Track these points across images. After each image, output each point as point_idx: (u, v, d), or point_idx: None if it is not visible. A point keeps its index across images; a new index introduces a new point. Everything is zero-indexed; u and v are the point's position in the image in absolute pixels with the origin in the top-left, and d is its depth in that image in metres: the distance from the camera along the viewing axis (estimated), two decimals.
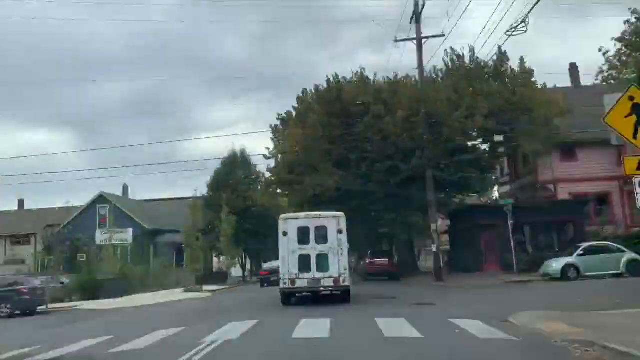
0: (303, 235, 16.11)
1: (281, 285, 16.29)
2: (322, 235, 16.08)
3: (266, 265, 35.52)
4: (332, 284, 15.94)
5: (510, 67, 29.61)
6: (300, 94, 32.59)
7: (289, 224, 16.46)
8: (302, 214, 18.71)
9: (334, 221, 16.32)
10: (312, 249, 15.98)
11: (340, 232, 16.07)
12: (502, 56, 29.20)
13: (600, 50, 25.52)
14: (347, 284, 16.09)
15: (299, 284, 15.92)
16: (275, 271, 25.87)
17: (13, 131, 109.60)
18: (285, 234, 16.21)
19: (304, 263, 15.87)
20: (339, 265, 15.86)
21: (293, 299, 16.83)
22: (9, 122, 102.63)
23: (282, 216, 17.22)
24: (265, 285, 30.61)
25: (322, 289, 16.15)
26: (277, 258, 18.08)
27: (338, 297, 16.35)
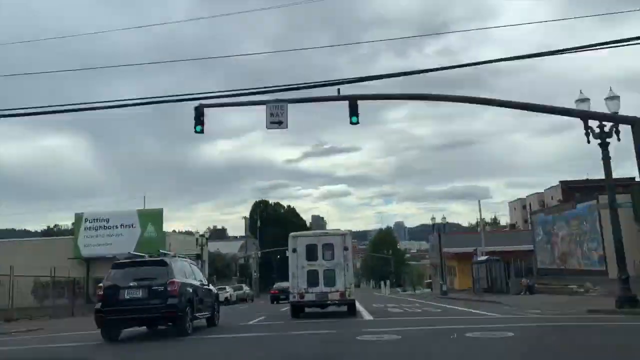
0: (311, 252, 17.14)
1: (291, 299, 17.37)
2: (329, 252, 17.13)
3: (276, 285, 38.93)
4: (338, 298, 16.92)
5: None
6: None
7: (298, 241, 17.54)
8: (311, 232, 20.00)
9: (340, 239, 17.45)
10: (320, 265, 16.99)
11: (346, 249, 17.15)
12: None
13: None
14: (352, 297, 17.13)
15: (307, 297, 16.92)
16: (284, 290, 31.13)
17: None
18: (294, 250, 17.30)
19: (312, 278, 16.87)
20: (345, 280, 16.86)
21: (301, 313, 17.77)
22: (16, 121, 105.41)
23: (291, 234, 18.27)
24: (275, 302, 34.49)
25: (329, 302, 17.17)
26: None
27: (344, 310, 17.39)
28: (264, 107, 16.35)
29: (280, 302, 32.77)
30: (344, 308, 17.71)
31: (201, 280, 14.38)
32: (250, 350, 9.85)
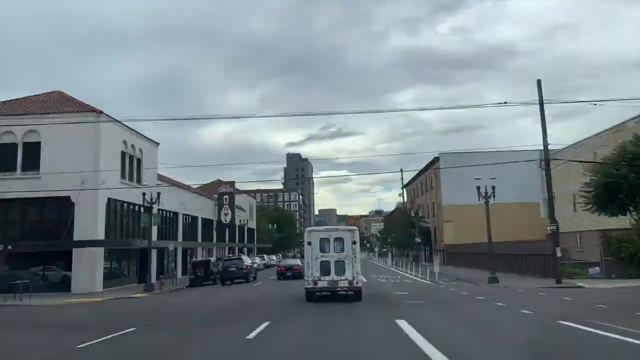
0: (324, 245, 19.48)
1: (306, 285, 19.87)
2: (339, 245, 19.45)
3: (282, 263, 44.80)
4: (347, 285, 19.36)
5: None
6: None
7: (313, 235, 20.03)
8: (323, 227, 22.69)
9: (349, 234, 19.89)
10: (331, 256, 19.33)
11: (354, 242, 19.55)
12: None
13: None
14: (359, 285, 19.60)
15: (320, 284, 19.38)
16: (290, 268, 38.64)
17: None
18: (309, 243, 19.70)
19: (324, 268, 19.23)
20: (353, 270, 19.22)
21: (314, 296, 20.07)
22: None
23: (307, 229, 21.02)
24: (282, 278, 37.85)
25: (339, 289, 19.58)
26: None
27: (352, 296, 19.78)
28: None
29: (285, 278, 36.94)
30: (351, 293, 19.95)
31: (251, 261, 38.27)
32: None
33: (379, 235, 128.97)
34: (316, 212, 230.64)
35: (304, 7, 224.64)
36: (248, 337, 11.35)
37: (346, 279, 19.24)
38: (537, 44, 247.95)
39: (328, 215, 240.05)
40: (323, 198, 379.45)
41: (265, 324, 13.32)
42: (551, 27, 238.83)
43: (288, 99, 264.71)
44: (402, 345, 9.90)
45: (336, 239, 19.66)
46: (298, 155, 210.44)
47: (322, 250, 19.49)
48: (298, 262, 39.90)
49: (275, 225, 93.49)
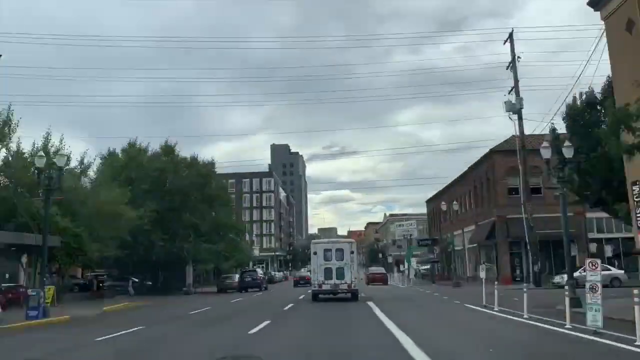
0: (327, 255, 23.92)
1: (312, 288, 24.56)
2: (339, 255, 23.88)
3: (297, 274, 62.37)
4: (346, 288, 23.77)
5: None
6: None
7: (318, 246, 24.80)
8: (326, 240, 27.74)
9: (348, 245, 24.70)
10: (333, 264, 23.72)
11: (352, 252, 24.12)
12: None
13: None
14: (356, 288, 24.28)
15: (324, 287, 23.89)
16: (302, 278, 50.96)
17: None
18: (315, 253, 24.28)
19: (327, 273, 23.72)
20: (351, 276, 23.75)
21: (318, 297, 24.51)
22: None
23: (313, 241, 26.07)
24: (297, 286, 49.08)
25: (339, 291, 23.97)
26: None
27: (350, 297, 24.08)
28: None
29: (299, 285, 47.74)
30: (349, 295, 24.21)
31: (263, 273, 49.99)
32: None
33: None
34: (315, 231, 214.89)
35: (308, 26, 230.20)
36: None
37: (345, 283, 23.70)
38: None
39: (328, 235, 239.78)
40: (323, 217, 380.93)
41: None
42: (557, 47, 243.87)
43: (291, 118, 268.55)
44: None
45: (337, 250, 24.19)
46: (285, 147, 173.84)
47: (326, 259, 23.89)
48: (308, 273, 45.14)
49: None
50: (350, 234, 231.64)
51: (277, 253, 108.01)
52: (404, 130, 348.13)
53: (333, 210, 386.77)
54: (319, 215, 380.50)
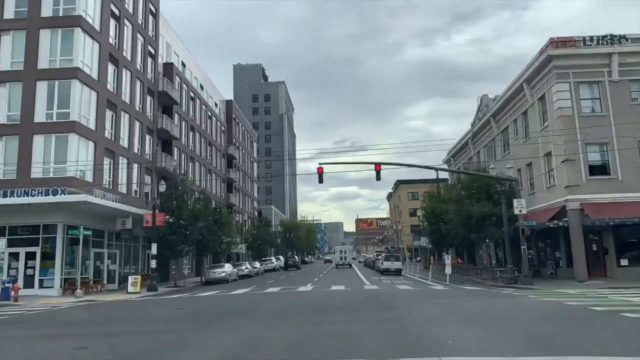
0: (340, 253, 68.24)
1: (334, 263, 63.08)
2: (344, 252, 70.91)
3: (325, 257, 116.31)
4: (347, 264, 68.81)
5: None
6: None
7: (337, 249, 72.97)
8: (339, 247, 62.61)
9: (347, 248, 70.49)
10: (342, 255, 71.92)
11: (348, 250, 73.86)
12: None
13: None
14: (350, 263, 74.47)
15: (339, 263, 66.62)
16: (328, 260, 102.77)
17: None
18: (334, 252, 66.70)
19: (340, 258, 69.70)
20: (349, 259, 71.24)
21: (337, 267, 60.76)
22: None
23: (336, 247, 60.53)
24: (325, 263, 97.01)
25: (345, 264, 67.02)
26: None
27: (348, 267, 63.69)
28: None
29: (326, 263, 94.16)
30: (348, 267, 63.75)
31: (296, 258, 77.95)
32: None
33: None
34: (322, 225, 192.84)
35: (318, 19, 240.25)
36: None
37: (347, 262, 62.00)
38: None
39: (334, 229, 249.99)
40: (330, 214, 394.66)
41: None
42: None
43: (300, 112, 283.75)
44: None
45: (342, 250, 66.09)
46: (258, 67, 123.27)
47: (340, 252, 63.82)
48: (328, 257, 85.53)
49: None
50: (358, 221, 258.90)
51: None
52: (415, 125, 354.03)
53: (340, 207, 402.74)
54: (327, 212, 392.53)
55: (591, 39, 29.33)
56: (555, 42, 29.12)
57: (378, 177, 26.92)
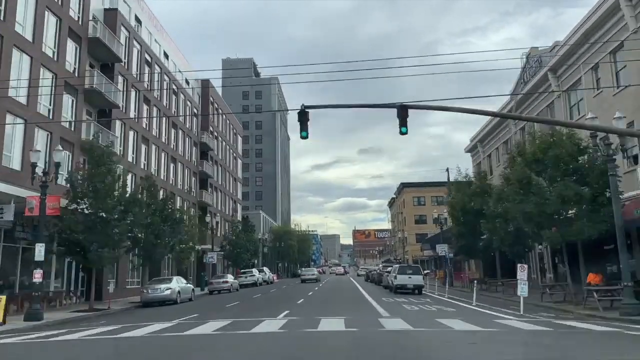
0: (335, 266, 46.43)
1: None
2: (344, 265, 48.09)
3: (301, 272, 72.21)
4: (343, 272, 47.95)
5: None
6: None
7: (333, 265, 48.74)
8: (333, 262, 50.01)
9: (346, 266, 45.88)
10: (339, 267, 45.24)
11: (347, 265, 44.80)
12: None
13: None
14: (348, 272, 44.46)
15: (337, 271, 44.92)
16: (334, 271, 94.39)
17: None
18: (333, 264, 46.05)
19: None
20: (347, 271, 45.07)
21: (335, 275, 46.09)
22: None
23: (333, 261, 48.31)
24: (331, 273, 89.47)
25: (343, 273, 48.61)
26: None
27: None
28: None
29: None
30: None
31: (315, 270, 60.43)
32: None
33: None
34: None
35: (350, 15, 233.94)
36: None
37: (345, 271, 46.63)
38: None
39: (331, 241, 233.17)
40: (327, 225, 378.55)
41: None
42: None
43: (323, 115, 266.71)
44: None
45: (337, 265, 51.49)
46: (248, 62, 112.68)
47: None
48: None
49: None
50: (355, 232, 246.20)
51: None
52: (434, 132, 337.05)
53: (345, 219, 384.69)
54: (326, 223, 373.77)
55: None
56: None
57: (403, 124, 15.25)
